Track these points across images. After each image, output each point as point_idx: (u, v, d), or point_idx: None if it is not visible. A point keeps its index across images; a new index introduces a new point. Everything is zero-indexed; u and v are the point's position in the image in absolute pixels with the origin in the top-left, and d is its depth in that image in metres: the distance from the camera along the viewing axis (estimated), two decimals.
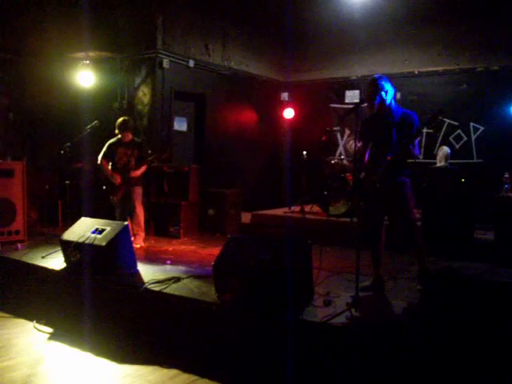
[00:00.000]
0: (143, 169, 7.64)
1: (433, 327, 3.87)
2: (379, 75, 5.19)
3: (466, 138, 10.12)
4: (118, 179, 7.52)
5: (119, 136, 7.65)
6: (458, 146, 10.16)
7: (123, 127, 7.59)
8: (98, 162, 7.67)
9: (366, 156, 5.16)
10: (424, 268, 5.13)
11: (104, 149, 7.66)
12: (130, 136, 7.65)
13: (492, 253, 6.79)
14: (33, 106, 9.86)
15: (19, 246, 7.42)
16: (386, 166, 4.95)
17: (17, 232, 7.75)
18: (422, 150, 10.26)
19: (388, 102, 5.08)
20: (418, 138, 5.14)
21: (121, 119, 7.69)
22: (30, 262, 6.55)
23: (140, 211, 7.69)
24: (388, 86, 5.07)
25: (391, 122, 5.06)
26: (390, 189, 5.01)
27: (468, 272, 5.57)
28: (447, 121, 10.21)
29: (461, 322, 3.72)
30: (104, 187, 7.65)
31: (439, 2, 10.01)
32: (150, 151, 7.68)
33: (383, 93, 5.03)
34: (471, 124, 10.08)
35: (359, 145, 5.22)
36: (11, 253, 7.04)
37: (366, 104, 5.19)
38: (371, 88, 5.10)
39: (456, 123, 10.17)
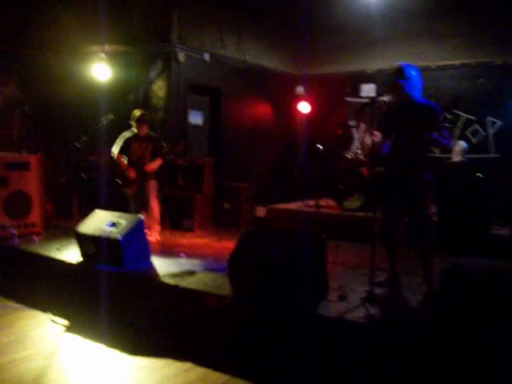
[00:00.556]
0: (159, 162, 7.63)
1: (448, 323, 3.84)
2: (406, 63, 5.00)
3: (483, 133, 10.03)
4: (132, 173, 7.52)
5: (134, 129, 7.64)
6: (474, 141, 10.05)
7: (141, 120, 7.57)
8: (113, 155, 7.67)
9: (385, 148, 5.04)
10: (430, 269, 5.02)
11: (119, 142, 7.65)
12: (146, 129, 7.65)
13: (508, 248, 6.72)
14: (49, 99, 9.89)
15: (35, 238, 7.47)
16: (411, 161, 4.84)
17: (33, 224, 7.82)
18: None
19: (409, 91, 4.90)
20: (447, 129, 4.99)
21: (138, 112, 7.66)
22: (45, 254, 6.60)
23: (155, 205, 7.69)
24: (412, 76, 4.89)
25: (413, 112, 4.91)
26: (414, 184, 4.91)
27: (483, 268, 5.50)
28: (464, 115, 10.11)
29: (476, 317, 3.69)
30: (118, 181, 7.67)
31: None
32: (165, 145, 7.67)
33: (404, 82, 4.88)
34: (488, 118, 9.97)
35: (378, 136, 5.08)
36: (27, 245, 7.09)
37: (382, 97, 5.09)
38: (393, 76, 4.96)
39: (473, 117, 10.07)
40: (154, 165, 7.59)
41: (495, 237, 7.25)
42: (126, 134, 7.67)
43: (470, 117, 10.08)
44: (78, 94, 9.93)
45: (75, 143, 8.08)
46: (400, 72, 4.90)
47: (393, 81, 4.95)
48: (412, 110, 4.93)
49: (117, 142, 7.65)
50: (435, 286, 4.73)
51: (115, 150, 7.61)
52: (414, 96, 4.94)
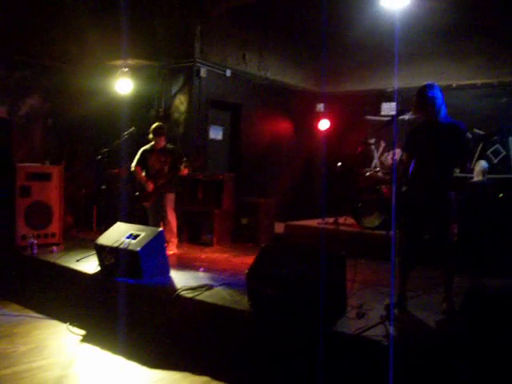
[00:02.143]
0: (187, 171, 7.60)
1: (468, 342, 3.80)
2: (430, 83, 4.95)
3: (504, 153, 9.93)
4: (150, 186, 7.57)
5: (152, 142, 7.70)
6: (496, 161, 9.96)
7: (159, 132, 7.64)
8: (132, 168, 7.73)
9: (411, 168, 4.97)
10: (451, 288, 4.96)
11: (137, 155, 7.72)
12: (163, 142, 7.70)
13: None
14: (72, 112, 10.02)
15: (55, 248, 7.52)
16: (435, 180, 4.82)
17: (53, 235, 7.89)
18: None
19: (437, 111, 4.85)
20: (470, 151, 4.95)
21: (156, 124, 7.76)
22: (64, 264, 6.65)
23: (172, 218, 7.71)
24: (439, 95, 4.85)
25: (439, 133, 4.85)
26: (437, 204, 4.85)
27: (504, 289, 5.44)
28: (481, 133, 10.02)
29: (497, 338, 3.65)
30: (136, 193, 7.71)
31: (479, 14, 9.86)
32: (185, 158, 7.67)
33: (432, 102, 4.82)
34: (510, 138, 9.88)
35: (404, 156, 5.07)
36: (47, 255, 7.15)
37: (403, 116, 5.07)
38: (419, 96, 4.90)
39: (494, 137, 9.98)
40: (187, 170, 7.57)
41: None
42: (144, 147, 7.74)
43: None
44: (100, 107, 10.03)
45: (97, 156, 8.15)
46: (428, 92, 4.86)
47: (422, 99, 4.90)
48: (438, 129, 4.87)
49: (136, 156, 7.72)
50: (455, 305, 4.69)
51: (133, 163, 7.68)
52: (441, 115, 4.89)
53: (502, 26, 9.77)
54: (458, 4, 9.41)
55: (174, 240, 7.80)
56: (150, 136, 7.69)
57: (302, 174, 12.32)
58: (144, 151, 7.72)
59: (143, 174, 7.67)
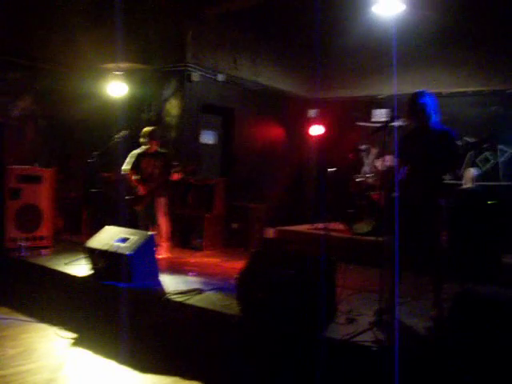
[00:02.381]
0: (177, 176, 7.59)
1: (458, 348, 3.81)
2: (421, 90, 5.00)
3: (493, 160, 10.00)
4: (142, 189, 7.56)
5: (144, 146, 7.70)
6: (484, 168, 10.03)
7: (152, 136, 7.64)
8: (123, 172, 7.70)
9: (401, 174, 5.03)
10: (440, 294, 4.99)
11: (129, 159, 7.70)
12: (155, 146, 7.69)
13: None
14: (63, 114, 9.99)
15: (43, 251, 7.49)
16: (426, 187, 4.84)
17: (42, 238, 7.85)
18: None
19: (428, 118, 4.89)
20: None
21: (149, 128, 7.76)
22: (53, 267, 6.62)
23: (163, 222, 7.70)
24: (430, 102, 4.90)
25: (430, 139, 4.89)
26: (427, 210, 4.88)
27: (493, 295, 5.47)
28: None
29: (486, 343, 3.66)
30: (127, 197, 7.69)
31: (470, 22, 9.92)
32: (176, 163, 7.65)
33: (423, 109, 4.87)
34: (499, 147, 9.95)
35: (390, 161, 5.11)
36: (35, 258, 7.13)
37: (395, 122, 5.09)
38: (411, 103, 4.96)
39: (484, 145, 10.03)
40: (177, 175, 7.52)
41: (507, 266, 7.19)
42: (137, 151, 7.72)
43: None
44: (92, 111, 10.01)
45: (88, 159, 8.13)
46: (419, 99, 4.90)
47: (413, 106, 4.93)
48: (429, 135, 4.91)
49: (127, 159, 7.70)
50: (444, 311, 4.71)
51: (126, 167, 7.66)
52: (433, 122, 4.93)
53: (493, 34, 9.83)
54: (451, 12, 9.46)
55: (165, 244, 7.78)
56: (143, 140, 7.69)
57: (293, 179, 12.33)
58: (136, 154, 7.70)
59: (135, 177, 7.64)
